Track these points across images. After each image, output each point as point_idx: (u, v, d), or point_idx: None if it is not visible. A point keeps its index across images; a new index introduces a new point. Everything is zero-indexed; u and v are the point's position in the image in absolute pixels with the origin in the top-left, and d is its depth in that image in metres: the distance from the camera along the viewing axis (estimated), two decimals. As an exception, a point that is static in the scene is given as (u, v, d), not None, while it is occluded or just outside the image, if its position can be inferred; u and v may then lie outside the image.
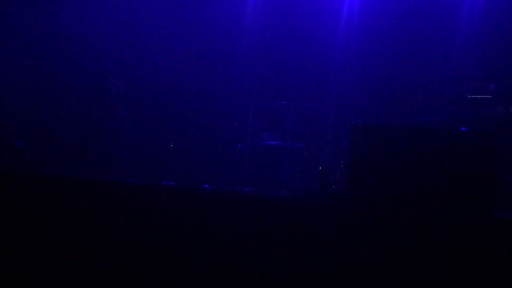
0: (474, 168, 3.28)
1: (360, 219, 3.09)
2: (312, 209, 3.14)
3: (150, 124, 7.00)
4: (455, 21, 6.90)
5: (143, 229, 3.20)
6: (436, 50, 6.83)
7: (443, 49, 6.82)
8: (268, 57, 7.32)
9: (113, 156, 6.40)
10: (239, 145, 6.99)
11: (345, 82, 7.14)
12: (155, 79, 7.23)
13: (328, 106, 7.01)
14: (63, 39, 7.06)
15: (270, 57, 7.31)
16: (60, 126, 6.67)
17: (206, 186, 3.84)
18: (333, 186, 3.99)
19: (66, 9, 7.08)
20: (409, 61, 6.91)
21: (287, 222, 3.15)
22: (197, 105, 7.18)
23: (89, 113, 6.54)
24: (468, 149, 3.33)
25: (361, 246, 3.05)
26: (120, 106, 6.74)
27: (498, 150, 3.35)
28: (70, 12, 7.08)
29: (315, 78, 7.20)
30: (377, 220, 3.06)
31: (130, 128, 6.83)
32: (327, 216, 3.11)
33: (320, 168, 4.60)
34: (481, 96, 6.13)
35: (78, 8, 7.11)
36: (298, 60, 7.25)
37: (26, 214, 3.46)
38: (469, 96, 6.17)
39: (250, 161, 6.86)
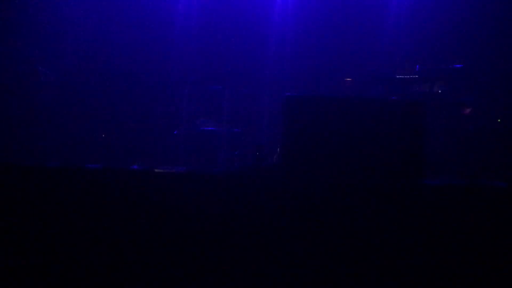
0: (403, 136, 3.39)
1: (293, 190, 3.12)
2: (247, 183, 3.14)
3: (81, 112, 6.74)
4: (383, 6, 7.16)
5: (69, 213, 3.07)
6: (365, 34, 7.05)
7: (372, 33, 7.04)
8: (200, 42, 7.25)
9: (43, 144, 6.13)
10: (175, 132, 6.88)
11: (277, 66, 7.21)
12: (85, 65, 6.97)
13: (262, 90, 7.06)
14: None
15: (203, 42, 7.24)
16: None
17: (135, 167, 3.73)
18: (266, 152, 3.97)
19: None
20: (339, 45, 7.09)
21: (223, 197, 3.13)
22: (130, 91, 7.00)
23: (17, 102, 6.24)
24: (397, 117, 3.44)
25: (294, 217, 3.09)
26: (49, 94, 6.47)
27: (425, 118, 3.48)
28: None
29: (248, 62, 7.21)
30: (309, 191, 3.10)
31: (60, 117, 6.56)
32: (262, 189, 3.11)
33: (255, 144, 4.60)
34: (408, 76, 6.41)
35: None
36: (231, 44, 7.24)
37: None
38: (397, 76, 6.44)
39: (187, 147, 6.77)
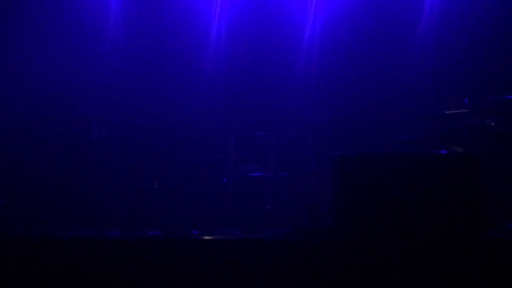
0: (461, 190, 3.27)
1: (351, 252, 3.04)
2: (304, 247, 3.09)
3: (132, 168, 6.89)
4: (426, 37, 7.03)
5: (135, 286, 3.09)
6: (410, 69, 6.93)
7: (416, 68, 6.92)
8: (243, 87, 7.33)
9: (99, 205, 6.25)
10: (224, 180, 6.93)
11: (322, 107, 7.18)
12: (132, 120, 7.15)
13: (307, 132, 7.03)
14: (38, 86, 6.95)
15: (246, 87, 7.33)
16: (39, 178, 6.49)
17: (195, 232, 3.76)
18: (321, 213, 3.91)
19: (38, 57, 6.99)
20: (383, 82, 7.00)
21: (280, 263, 3.09)
22: (177, 142, 7.12)
23: (71, 163, 6.41)
24: (453, 171, 3.32)
25: (355, 279, 3.00)
26: (102, 153, 6.62)
27: (483, 170, 3.35)
28: (43, 59, 6.98)
29: (291, 106, 7.22)
30: (369, 252, 3.02)
31: (114, 174, 6.70)
32: (319, 252, 3.05)
33: (308, 202, 4.52)
34: (458, 111, 6.22)
35: (50, 56, 7.03)
36: (273, 88, 7.28)
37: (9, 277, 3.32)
38: (446, 112, 6.26)
39: (236, 194, 6.78)
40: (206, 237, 3.38)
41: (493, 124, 6.06)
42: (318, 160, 6.81)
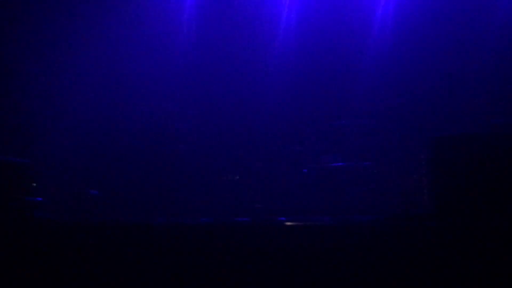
0: None
1: (455, 238, 2.86)
2: (400, 233, 2.96)
3: (213, 159, 7.01)
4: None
5: (219, 266, 3.11)
6: (504, 52, 6.50)
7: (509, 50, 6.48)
8: (321, 77, 7.22)
9: (183, 196, 6.43)
10: (304, 170, 6.86)
11: (406, 93, 6.91)
12: (211, 114, 7.27)
13: (389, 120, 6.79)
14: (123, 86, 7.22)
15: (324, 77, 7.21)
16: (127, 171, 6.76)
17: (283, 219, 3.73)
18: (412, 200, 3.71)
19: (122, 56, 7.25)
20: (472, 65, 6.62)
21: (377, 249, 2.98)
22: (257, 136, 7.15)
23: (156, 157, 6.63)
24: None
25: (453, 271, 2.82)
26: (185, 147, 6.80)
27: None
28: (128, 58, 7.24)
29: (372, 93, 7.01)
30: (473, 238, 2.82)
31: (196, 166, 6.86)
32: (418, 239, 2.91)
33: (400, 187, 4.33)
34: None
35: (135, 55, 7.28)
36: (353, 77, 7.11)
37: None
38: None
39: (317, 185, 6.69)
40: (296, 223, 3.34)
41: None
42: (401, 148, 6.56)
